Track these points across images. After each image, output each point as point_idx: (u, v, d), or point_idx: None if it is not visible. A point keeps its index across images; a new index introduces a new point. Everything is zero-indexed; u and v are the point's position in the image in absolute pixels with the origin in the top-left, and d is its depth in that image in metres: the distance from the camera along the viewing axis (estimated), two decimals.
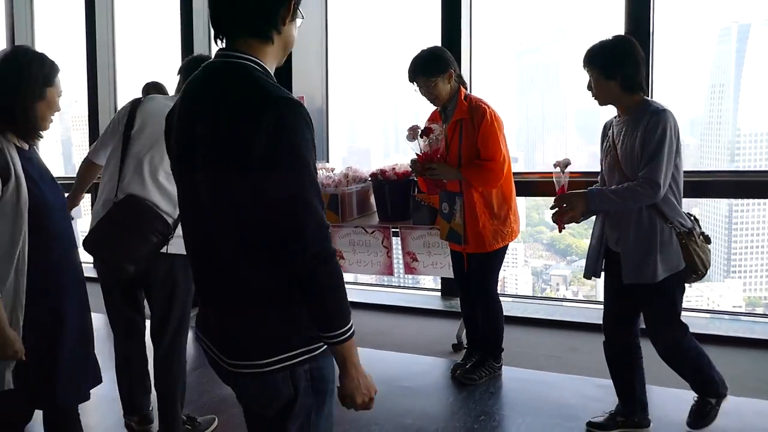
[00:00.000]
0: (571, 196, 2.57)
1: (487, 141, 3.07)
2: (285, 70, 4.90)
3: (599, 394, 3.17)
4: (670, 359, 2.66)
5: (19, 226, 1.81)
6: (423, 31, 5.36)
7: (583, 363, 3.61)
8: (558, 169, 2.70)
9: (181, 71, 2.76)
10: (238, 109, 1.23)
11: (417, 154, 3.26)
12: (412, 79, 3.17)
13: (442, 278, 4.68)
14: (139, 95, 3.44)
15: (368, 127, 7.12)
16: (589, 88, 2.57)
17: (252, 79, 1.27)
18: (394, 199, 3.94)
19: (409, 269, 3.89)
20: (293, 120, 1.22)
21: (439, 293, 4.88)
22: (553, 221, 2.69)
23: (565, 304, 4.92)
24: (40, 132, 1.96)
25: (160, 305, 2.61)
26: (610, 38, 2.54)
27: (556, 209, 2.61)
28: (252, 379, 1.33)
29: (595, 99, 2.58)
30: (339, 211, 3.94)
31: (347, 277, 5.15)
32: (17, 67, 1.89)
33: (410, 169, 3.85)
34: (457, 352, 3.75)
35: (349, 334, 1.30)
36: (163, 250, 2.48)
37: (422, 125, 3.30)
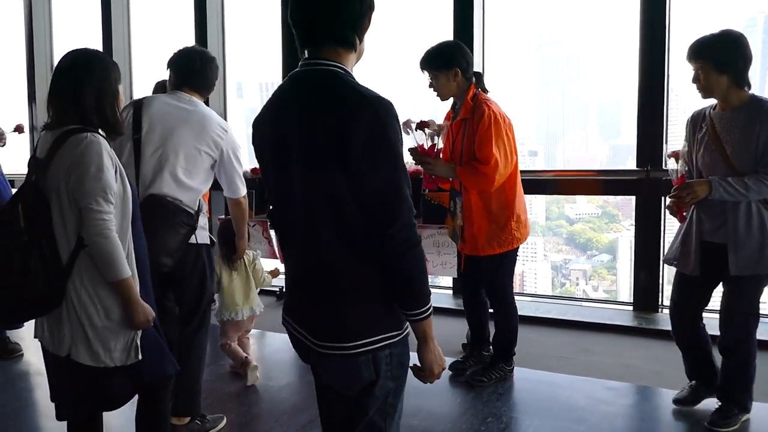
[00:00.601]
0: (693, 185, 2.61)
1: (481, 143, 2.97)
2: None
3: (609, 396, 3.13)
4: (731, 351, 2.69)
5: (127, 216, 1.98)
6: (439, 26, 5.29)
7: (594, 364, 3.57)
8: (673, 160, 2.83)
9: (170, 65, 2.75)
10: (337, 111, 1.34)
11: (418, 144, 3.24)
12: (421, 68, 3.15)
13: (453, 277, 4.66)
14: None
15: None
16: (696, 80, 2.61)
17: (346, 83, 1.40)
18: None
19: None
20: (387, 117, 1.34)
21: (451, 291, 4.84)
22: (672, 213, 2.79)
23: (582, 303, 4.85)
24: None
25: (193, 291, 2.75)
26: (719, 32, 2.58)
27: (676, 198, 2.67)
28: (338, 360, 1.45)
29: (700, 91, 2.63)
30: None
31: None
32: (102, 70, 1.98)
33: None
34: (467, 352, 3.72)
35: (431, 311, 1.45)
36: (192, 240, 2.63)
37: (439, 121, 3.30)
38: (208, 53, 2.80)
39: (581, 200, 6.72)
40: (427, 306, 1.44)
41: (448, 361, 3.58)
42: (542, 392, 3.22)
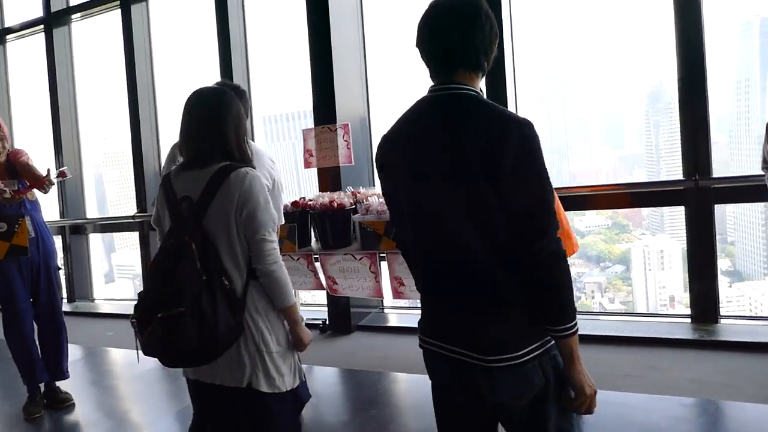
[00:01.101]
0: None
1: None
2: (328, 97, 4.89)
3: (687, 414, 3.02)
4: None
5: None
6: None
7: (662, 381, 3.46)
8: None
9: None
10: (487, 131, 1.40)
11: None
12: None
13: None
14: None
15: None
16: None
17: (489, 105, 1.46)
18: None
19: (397, 294, 3.85)
20: (532, 136, 1.41)
21: None
22: None
23: (620, 317, 4.76)
24: None
25: None
26: None
27: None
28: (507, 372, 1.46)
29: None
30: None
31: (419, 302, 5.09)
32: (237, 107, 2.04)
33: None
34: None
35: (577, 327, 1.44)
36: None
37: None
38: (240, 88, 2.86)
39: (590, 213, 6.68)
40: (575, 322, 1.44)
41: None
42: (615, 414, 3.10)
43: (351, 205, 4.09)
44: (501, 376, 1.47)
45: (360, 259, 3.94)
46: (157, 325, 1.80)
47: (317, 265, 4.20)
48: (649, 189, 4.53)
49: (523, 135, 1.39)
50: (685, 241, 4.25)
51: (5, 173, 3.67)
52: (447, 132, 1.46)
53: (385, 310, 5.27)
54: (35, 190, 3.68)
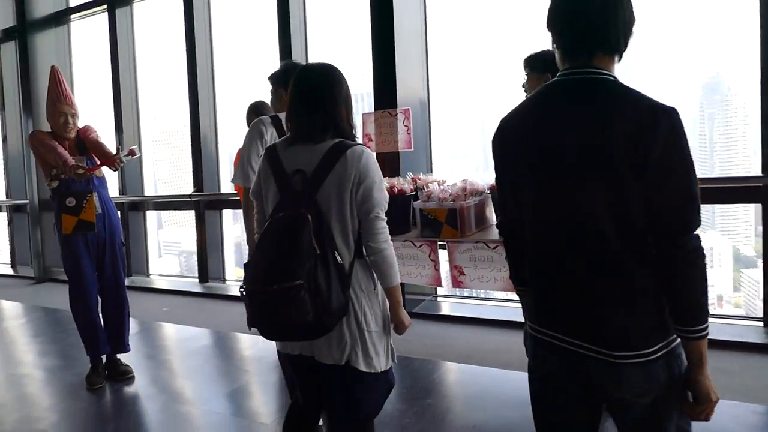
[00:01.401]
0: None
1: None
2: (389, 81, 4.83)
3: (762, 421, 2.88)
4: None
5: None
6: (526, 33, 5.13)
7: (734, 386, 3.30)
8: None
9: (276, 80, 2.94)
10: (635, 120, 1.34)
11: None
12: (523, 66, 3.07)
13: None
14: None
15: (465, 133, 6.93)
16: None
17: (634, 92, 1.39)
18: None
19: (457, 283, 3.75)
20: (680, 125, 1.35)
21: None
22: None
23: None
24: None
25: None
26: None
27: None
28: (635, 369, 1.41)
29: None
30: (458, 225, 3.81)
31: (472, 292, 5.01)
32: (347, 84, 2.05)
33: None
34: None
35: (708, 330, 1.38)
36: None
37: None
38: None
39: None
40: (707, 324, 1.38)
41: None
42: None
43: (411, 191, 4.03)
44: (628, 373, 1.41)
45: (419, 246, 3.88)
46: (271, 296, 1.77)
47: (441, 255, 4.13)
48: (720, 185, 4.31)
49: (674, 125, 1.33)
50: (762, 242, 4.04)
51: (74, 149, 3.74)
52: (590, 119, 1.40)
53: (438, 299, 5.21)
54: (102, 167, 3.75)
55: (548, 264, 1.52)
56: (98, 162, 3.71)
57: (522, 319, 4.36)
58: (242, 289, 1.86)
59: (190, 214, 6.83)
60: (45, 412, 3.50)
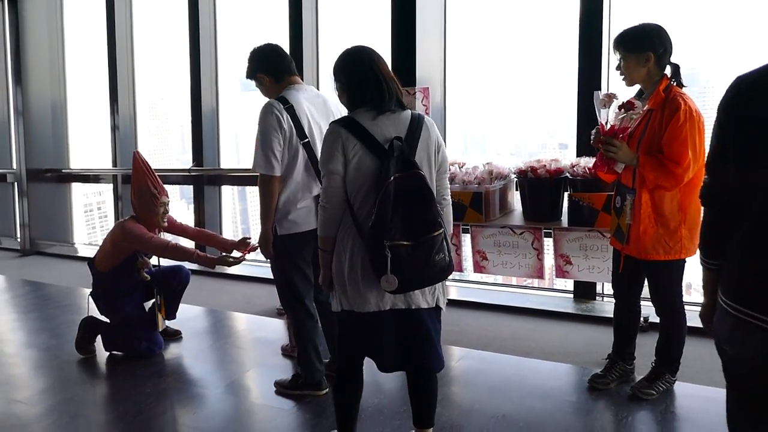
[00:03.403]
0: None
1: (672, 141, 2.69)
2: (409, 60, 4.70)
3: None
4: None
5: None
6: (548, 17, 5.01)
7: None
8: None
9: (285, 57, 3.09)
10: None
11: (601, 123, 2.90)
12: (613, 48, 2.91)
13: (575, 280, 4.40)
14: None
15: (483, 116, 6.78)
16: None
17: None
18: (540, 198, 3.70)
19: (562, 273, 3.65)
20: None
21: (572, 295, 4.58)
22: None
23: None
24: None
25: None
26: None
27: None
28: None
29: None
30: (483, 210, 3.71)
31: (487, 278, 4.91)
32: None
33: (561, 166, 3.60)
34: (607, 365, 3.42)
35: None
36: None
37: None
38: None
39: None
40: None
41: (588, 372, 3.35)
42: (719, 411, 2.94)
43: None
44: None
45: (521, 234, 3.85)
46: (426, 245, 2.11)
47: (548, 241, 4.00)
48: None
49: None
50: None
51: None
52: None
53: (447, 283, 5.11)
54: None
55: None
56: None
57: (537, 307, 4.37)
58: (387, 244, 2.06)
59: (185, 190, 6.64)
60: (42, 395, 3.36)
